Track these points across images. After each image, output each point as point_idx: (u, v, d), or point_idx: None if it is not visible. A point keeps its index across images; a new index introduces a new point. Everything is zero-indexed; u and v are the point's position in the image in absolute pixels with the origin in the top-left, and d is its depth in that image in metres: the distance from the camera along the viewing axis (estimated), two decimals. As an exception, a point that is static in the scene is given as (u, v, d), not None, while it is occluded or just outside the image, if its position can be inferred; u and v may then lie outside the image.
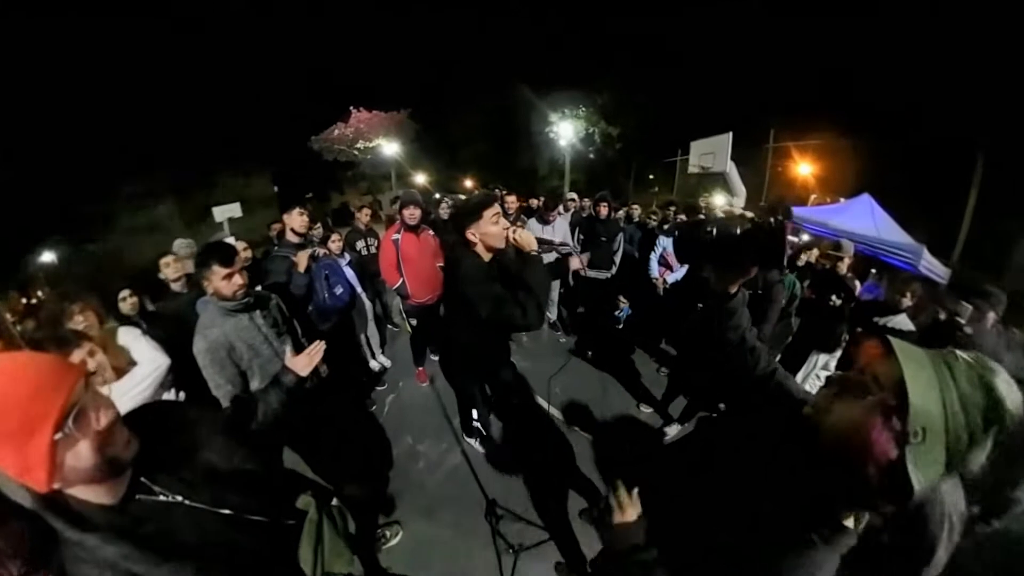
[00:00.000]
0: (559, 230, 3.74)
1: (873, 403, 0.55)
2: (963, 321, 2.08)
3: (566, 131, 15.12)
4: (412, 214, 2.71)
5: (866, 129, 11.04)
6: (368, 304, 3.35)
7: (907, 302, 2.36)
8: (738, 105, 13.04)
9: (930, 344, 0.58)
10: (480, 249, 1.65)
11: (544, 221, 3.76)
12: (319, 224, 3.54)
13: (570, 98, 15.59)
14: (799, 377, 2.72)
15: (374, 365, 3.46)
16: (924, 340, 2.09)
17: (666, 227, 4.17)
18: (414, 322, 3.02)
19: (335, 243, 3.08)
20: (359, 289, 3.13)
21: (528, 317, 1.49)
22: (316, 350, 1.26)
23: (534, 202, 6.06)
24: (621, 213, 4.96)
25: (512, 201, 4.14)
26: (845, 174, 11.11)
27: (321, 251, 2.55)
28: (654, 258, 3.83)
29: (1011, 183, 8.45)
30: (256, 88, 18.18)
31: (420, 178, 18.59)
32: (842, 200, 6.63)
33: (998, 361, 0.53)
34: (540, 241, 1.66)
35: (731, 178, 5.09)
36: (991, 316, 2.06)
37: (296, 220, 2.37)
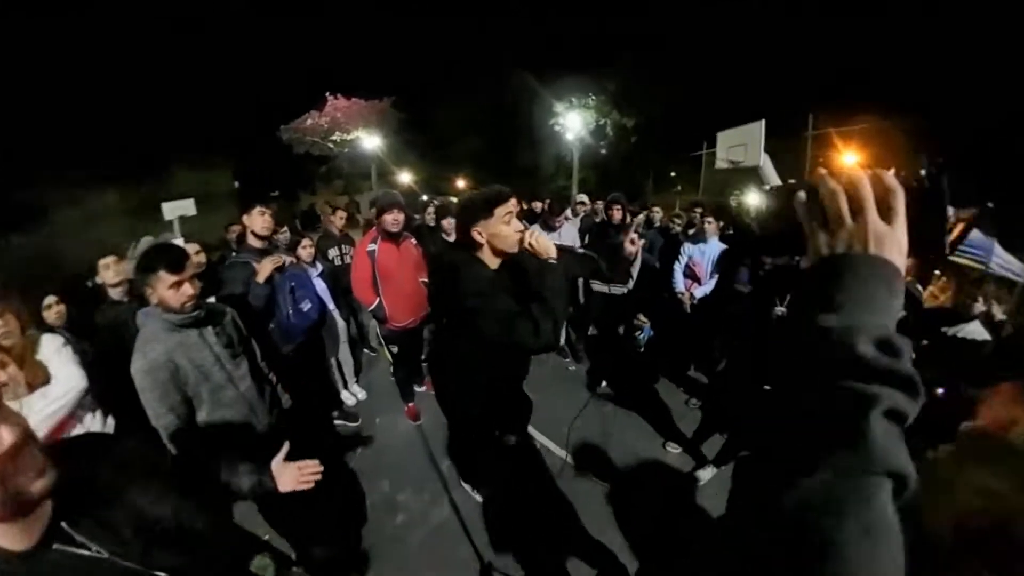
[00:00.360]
0: (567, 237, 3.77)
1: None
2: None
3: (573, 123, 15.37)
4: (395, 219, 2.72)
5: (921, 109, 11.25)
6: (341, 324, 3.34)
7: (980, 307, 2.41)
8: (770, 88, 13.33)
9: (1011, 355, 0.53)
10: (486, 253, 1.64)
11: (549, 227, 3.79)
12: (286, 227, 3.55)
13: (578, 85, 15.84)
14: None
15: (346, 397, 3.43)
16: (1005, 352, 2.07)
17: (691, 232, 4.20)
18: (395, 349, 3.00)
19: (305, 250, 3.09)
20: (331, 305, 3.12)
21: (542, 336, 1.47)
22: (309, 471, 1.21)
23: (538, 205, 6.17)
24: (640, 217, 5.01)
25: (513, 204, 4.17)
26: (898, 162, 11.36)
27: (288, 259, 2.55)
28: (679, 269, 3.85)
29: None
30: (218, 67, 18.65)
31: (404, 177, 18.88)
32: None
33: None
34: (559, 246, 1.65)
35: (766, 173, 5.14)
36: None
37: (258, 221, 2.38)
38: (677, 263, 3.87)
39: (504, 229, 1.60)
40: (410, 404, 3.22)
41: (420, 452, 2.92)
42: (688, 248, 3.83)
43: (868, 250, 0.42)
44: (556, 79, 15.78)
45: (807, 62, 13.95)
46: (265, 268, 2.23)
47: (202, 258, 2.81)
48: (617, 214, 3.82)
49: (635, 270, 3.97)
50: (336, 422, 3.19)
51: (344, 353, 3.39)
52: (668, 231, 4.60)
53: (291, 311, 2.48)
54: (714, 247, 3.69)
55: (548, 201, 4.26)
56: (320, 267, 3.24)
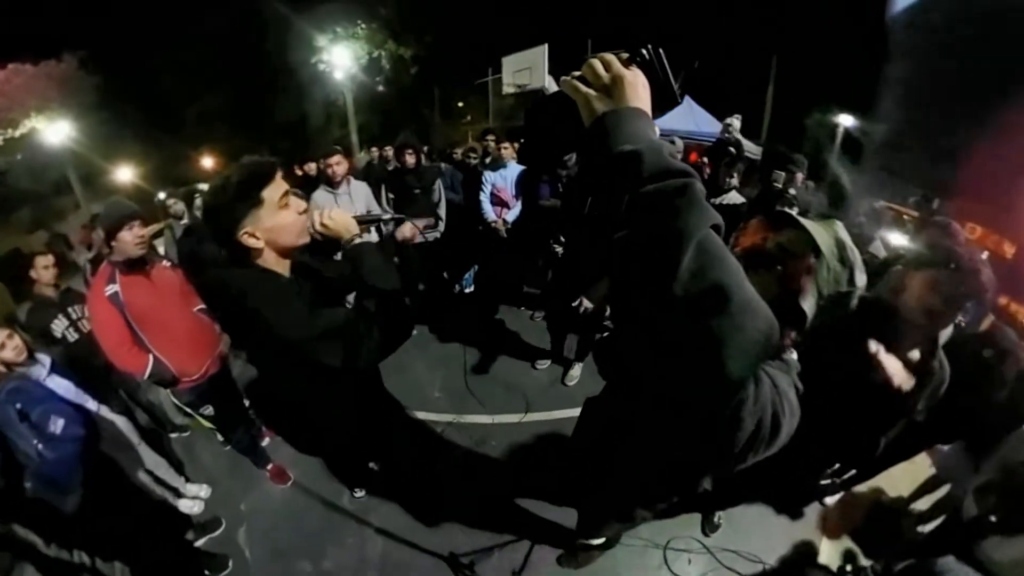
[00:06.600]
0: (358, 196, 3.43)
1: None
2: (779, 185, 3.29)
3: (342, 59, 13.67)
4: (137, 237, 2.03)
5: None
6: (120, 420, 2.42)
7: (734, 183, 3.48)
8: (550, 13, 14.01)
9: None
10: (269, 257, 1.24)
11: (334, 187, 3.38)
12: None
13: (342, 12, 13.89)
14: None
15: (186, 507, 2.60)
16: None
17: (488, 160, 4.39)
18: (209, 411, 2.47)
19: (9, 347, 2.08)
20: (92, 405, 2.28)
21: (393, 336, 1.26)
22: None
23: (312, 167, 5.30)
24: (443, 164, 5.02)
25: (282, 180, 3.62)
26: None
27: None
28: (485, 198, 4.02)
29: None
30: None
31: (124, 173, 14.25)
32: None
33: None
34: (360, 219, 1.38)
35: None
36: (799, 176, 3.39)
37: None
38: (482, 193, 4.02)
39: (284, 217, 1.22)
40: (272, 465, 2.73)
41: (313, 509, 2.56)
42: (489, 176, 4.00)
43: (627, 102, 0.61)
44: (314, 5, 13.34)
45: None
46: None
47: None
48: (410, 159, 3.73)
49: (442, 211, 4.05)
50: (196, 545, 2.43)
51: (149, 457, 2.52)
52: (466, 164, 4.74)
53: (40, 447, 1.80)
54: (514, 170, 3.91)
55: (327, 158, 3.79)
56: (47, 359, 2.25)
